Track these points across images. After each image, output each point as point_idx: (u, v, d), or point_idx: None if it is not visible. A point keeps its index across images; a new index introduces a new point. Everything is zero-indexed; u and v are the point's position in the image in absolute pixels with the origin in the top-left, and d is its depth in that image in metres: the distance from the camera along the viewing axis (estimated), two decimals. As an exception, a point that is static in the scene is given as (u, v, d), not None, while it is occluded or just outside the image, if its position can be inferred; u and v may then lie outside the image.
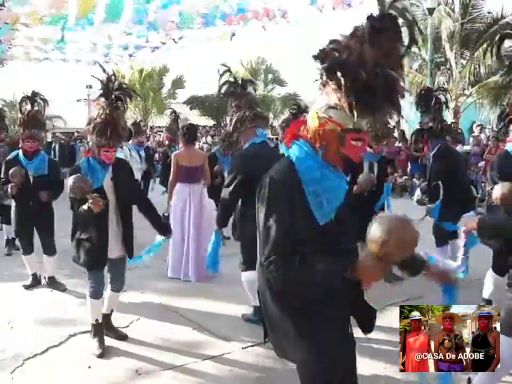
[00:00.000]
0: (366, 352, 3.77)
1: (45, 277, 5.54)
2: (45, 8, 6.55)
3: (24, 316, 4.67)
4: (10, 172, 4.99)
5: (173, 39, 9.94)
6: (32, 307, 4.91)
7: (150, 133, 25.94)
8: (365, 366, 3.57)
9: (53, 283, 5.49)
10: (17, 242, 6.99)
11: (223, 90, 4.95)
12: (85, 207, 3.55)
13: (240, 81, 5.01)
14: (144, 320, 4.50)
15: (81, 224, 3.79)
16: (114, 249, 3.87)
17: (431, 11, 14.04)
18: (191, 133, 5.93)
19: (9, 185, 4.99)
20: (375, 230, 1.75)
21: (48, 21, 7.21)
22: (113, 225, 3.84)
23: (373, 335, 4.01)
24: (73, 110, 32.14)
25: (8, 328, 4.42)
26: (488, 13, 17.46)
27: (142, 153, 8.01)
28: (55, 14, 6.86)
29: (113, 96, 3.74)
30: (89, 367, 3.67)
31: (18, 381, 3.51)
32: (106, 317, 4.13)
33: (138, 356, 3.84)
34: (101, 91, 3.76)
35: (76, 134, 18.48)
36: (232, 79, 4.98)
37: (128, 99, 3.87)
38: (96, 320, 3.99)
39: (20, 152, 5.22)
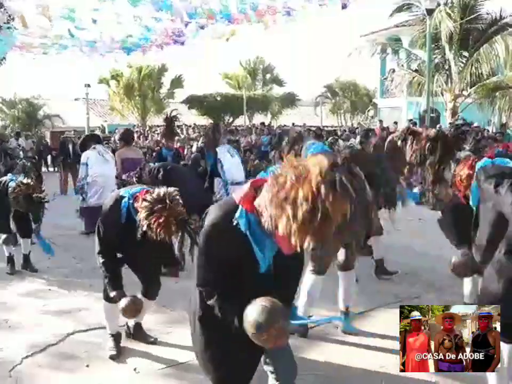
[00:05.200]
0: (363, 352, 3.78)
1: (128, 326, 4.09)
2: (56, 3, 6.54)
3: (22, 314, 4.65)
4: (124, 307, 3.35)
5: (174, 40, 9.92)
6: (30, 305, 4.89)
7: (149, 132, 25.91)
8: (363, 366, 3.58)
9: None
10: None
11: None
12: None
13: None
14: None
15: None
16: None
17: (430, 12, 14.04)
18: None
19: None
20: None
21: (62, 15, 7.18)
22: None
23: (370, 336, 4.01)
24: (71, 109, 32.18)
25: (6, 327, 4.40)
26: (487, 13, 17.51)
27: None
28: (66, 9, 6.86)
29: None
30: (87, 366, 3.66)
31: (17, 379, 3.49)
32: None
33: (136, 354, 3.83)
34: None
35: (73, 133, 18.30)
36: None
37: None
38: None
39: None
